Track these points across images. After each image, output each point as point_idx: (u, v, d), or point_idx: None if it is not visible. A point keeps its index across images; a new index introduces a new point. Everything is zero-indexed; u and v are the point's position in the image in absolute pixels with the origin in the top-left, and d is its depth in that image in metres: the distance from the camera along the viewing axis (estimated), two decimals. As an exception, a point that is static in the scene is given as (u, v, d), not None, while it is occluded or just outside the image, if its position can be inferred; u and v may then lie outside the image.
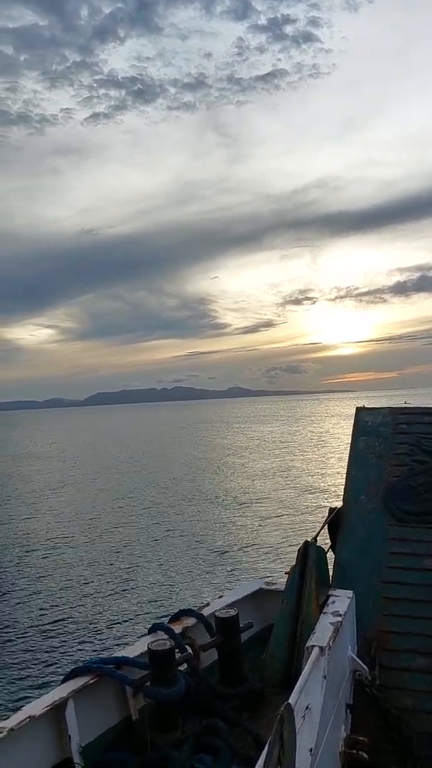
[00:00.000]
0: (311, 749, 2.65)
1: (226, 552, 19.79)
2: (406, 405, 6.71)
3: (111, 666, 3.74)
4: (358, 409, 6.35)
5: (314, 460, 43.78)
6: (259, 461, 45.48)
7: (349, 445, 6.09)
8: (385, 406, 6.47)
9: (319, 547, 4.87)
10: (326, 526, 5.39)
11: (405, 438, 5.84)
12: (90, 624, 13.76)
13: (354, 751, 3.47)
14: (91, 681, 3.60)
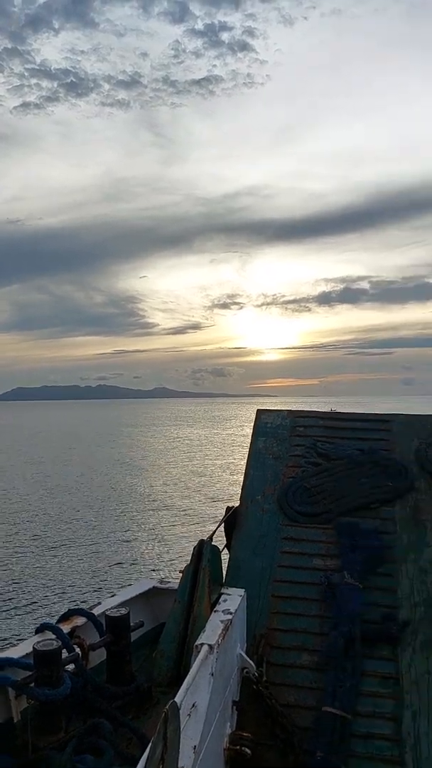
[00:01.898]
0: (195, 746, 2.64)
1: (123, 552, 19.60)
2: (331, 411, 6.89)
3: None
4: (259, 411, 6.46)
5: (225, 464, 44.33)
6: (172, 463, 45.59)
7: None
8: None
9: (214, 545, 4.90)
10: (222, 525, 5.44)
11: (302, 440, 5.99)
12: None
13: (237, 747, 3.51)
14: None
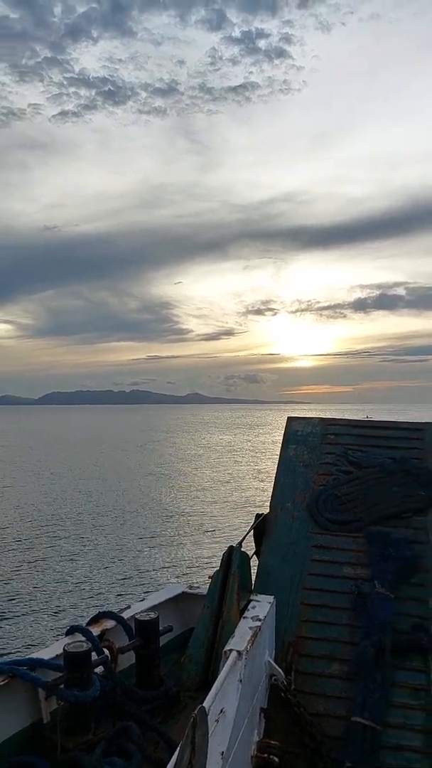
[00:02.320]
0: (223, 752, 2.65)
1: (151, 557, 19.68)
2: (367, 419, 6.85)
3: (24, 667, 3.64)
4: (290, 418, 6.44)
5: (256, 471, 44.30)
6: (201, 469, 45.69)
7: None
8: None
9: (243, 552, 4.90)
10: (252, 532, 5.44)
11: (332, 448, 5.96)
12: (6, 625, 13.39)
13: (265, 755, 3.50)
14: (3, 682, 3.50)
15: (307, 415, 6.70)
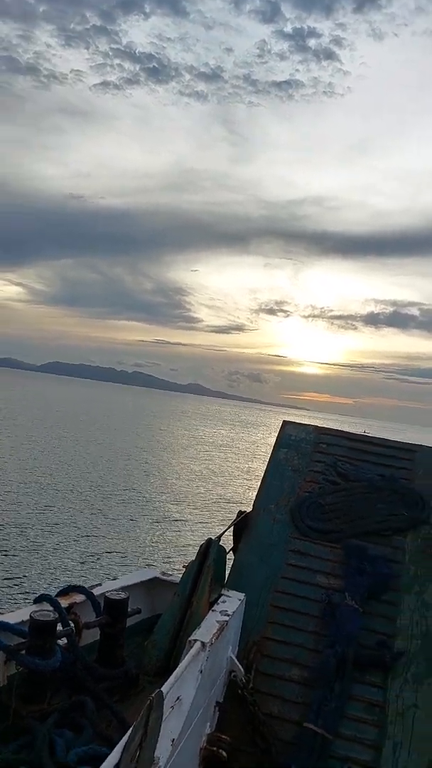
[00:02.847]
0: (174, 740, 2.67)
1: (128, 539, 19.73)
2: (364, 434, 6.86)
3: None
4: (285, 422, 6.47)
5: (245, 469, 44.37)
6: (192, 460, 45.75)
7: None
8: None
9: (221, 546, 4.92)
10: (232, 528, 5.46)
11: (323, 457, 5.98)
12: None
13: (215, 749, 3.53)
14: None
15: (304, 422, 6.71)
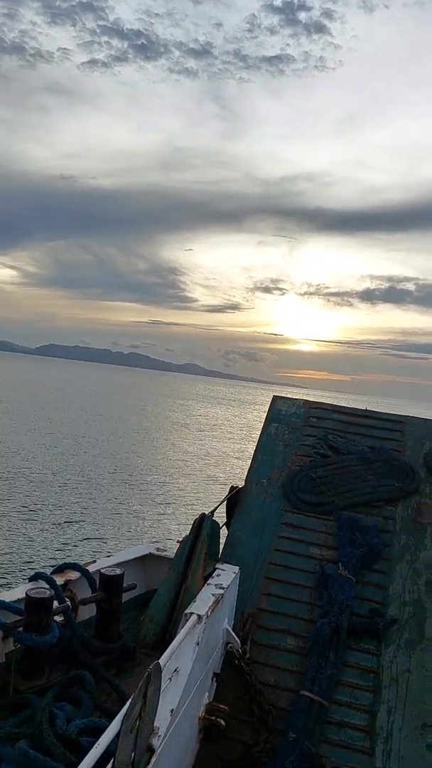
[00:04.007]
0: (172, 710, 2.72)
1: (122, 516, 19.83)
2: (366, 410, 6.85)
3: None
4: (275, 397, 6.49)
5: (239, 447, 44.56)
6: (186, 439, 45.88)
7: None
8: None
9: (215, 521, 4.96)
10: (225, 503, 5.50)
11: (313, 431, 6.02)
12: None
13: (213, 718, 3.60)
14: None
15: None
